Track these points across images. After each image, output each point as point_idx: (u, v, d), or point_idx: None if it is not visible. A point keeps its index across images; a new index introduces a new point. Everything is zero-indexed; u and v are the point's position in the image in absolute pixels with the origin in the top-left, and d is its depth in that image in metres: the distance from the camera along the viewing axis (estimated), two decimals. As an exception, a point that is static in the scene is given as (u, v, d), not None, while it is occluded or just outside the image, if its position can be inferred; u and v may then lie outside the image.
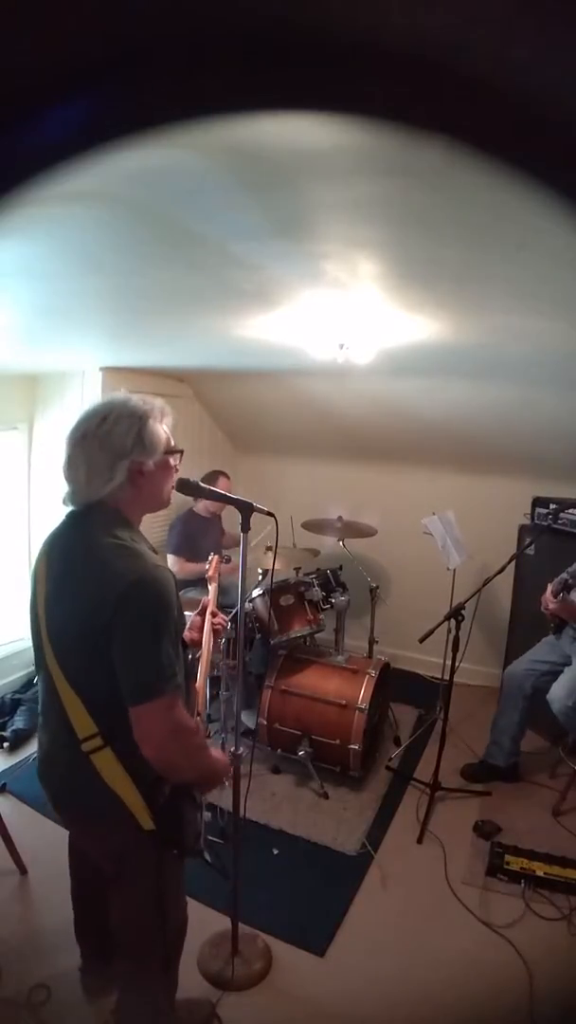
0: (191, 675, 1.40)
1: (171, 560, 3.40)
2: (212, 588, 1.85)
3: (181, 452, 1.29)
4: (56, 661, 1.17)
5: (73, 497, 1.21)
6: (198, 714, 1.39)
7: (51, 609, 1.19)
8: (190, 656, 1.46)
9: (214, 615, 1.66)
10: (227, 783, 1.61)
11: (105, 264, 1.38)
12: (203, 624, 1.63)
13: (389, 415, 3.57)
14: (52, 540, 1.24)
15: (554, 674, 2.53)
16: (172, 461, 1.27)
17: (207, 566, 1.96)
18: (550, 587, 2.42)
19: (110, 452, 1.16)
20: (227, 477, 3.52)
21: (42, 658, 1.21)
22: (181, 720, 1.12)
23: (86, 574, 1.14)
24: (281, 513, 1.66)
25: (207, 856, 1.33)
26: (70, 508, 1.23)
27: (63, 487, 1.22)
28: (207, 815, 1.35)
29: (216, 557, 1.98)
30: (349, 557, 3.36)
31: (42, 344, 2.53)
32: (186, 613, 2.37)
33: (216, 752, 1.32)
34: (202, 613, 1.65)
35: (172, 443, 1.26)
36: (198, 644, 1.62)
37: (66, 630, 1.16)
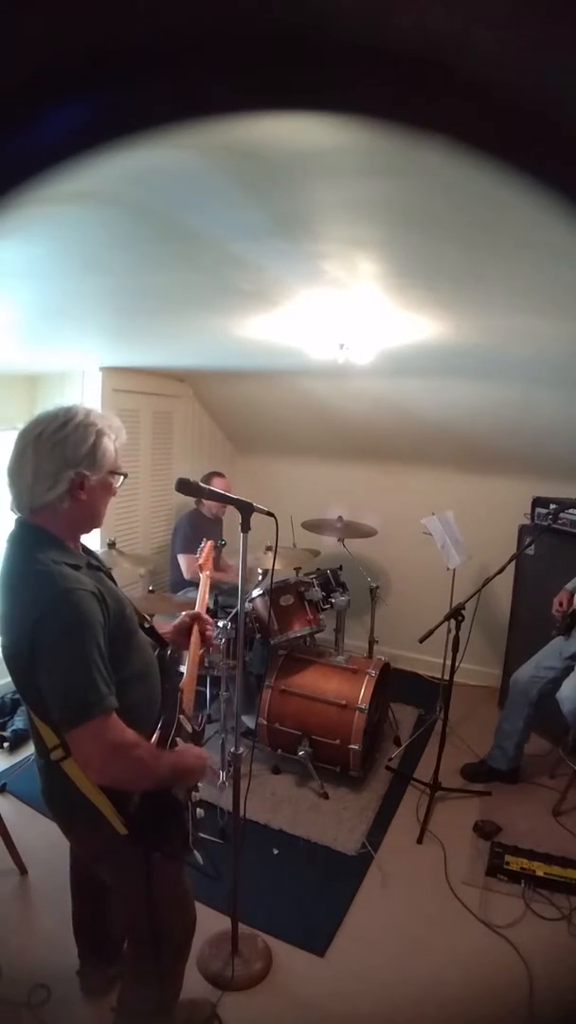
0: (167, 675, 1.36)
1: (183, 560, 3.38)
2: (204, 577, 1.79)
3: (125, 475, 1.27)
4: (12, 679, 1.18)
5: (17, 501, 1.18)
6: (182, 713, 1.35)
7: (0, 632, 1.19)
8: (168, 653, 1.43)
9: (203, 624, 1.59)
10: (227, 782, 1.60)
11: (105, 264, 1.38)
12: (190, 626, 1.58)
13: (389, 415, 3.57)
14: (2, 562, 1.21)
15: (558, 679, 2.53)
16: (114, 482, 1.25)
17: (199, 556, 1.88)
18: None
19: (60, 458, 1.14)
20: (223, 477, 3.50)
21: None
22: (117, 739, 1.09)
23: (10, 603, 1.14)
24: (281, 513, 1.66)
25: (198, 857, 1.31)
26: (14, 521, 1.20)
27: (7, 491, 1.18)
28: (200, 812, 1.32)
29: (209, 543, 1.91)
30: (349, 557, 3.36)
31: (42, 344, 2.53)
32: (183, 613, 2.35)
33: (185, 749, 1.27)
34: (191, 615, 1.60)
35: (119, 464, 1.24)
36: (182, 644, 1.57)
37: (7, 655, 1.17)
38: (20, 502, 1.17)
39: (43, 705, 1.11)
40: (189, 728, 1.35)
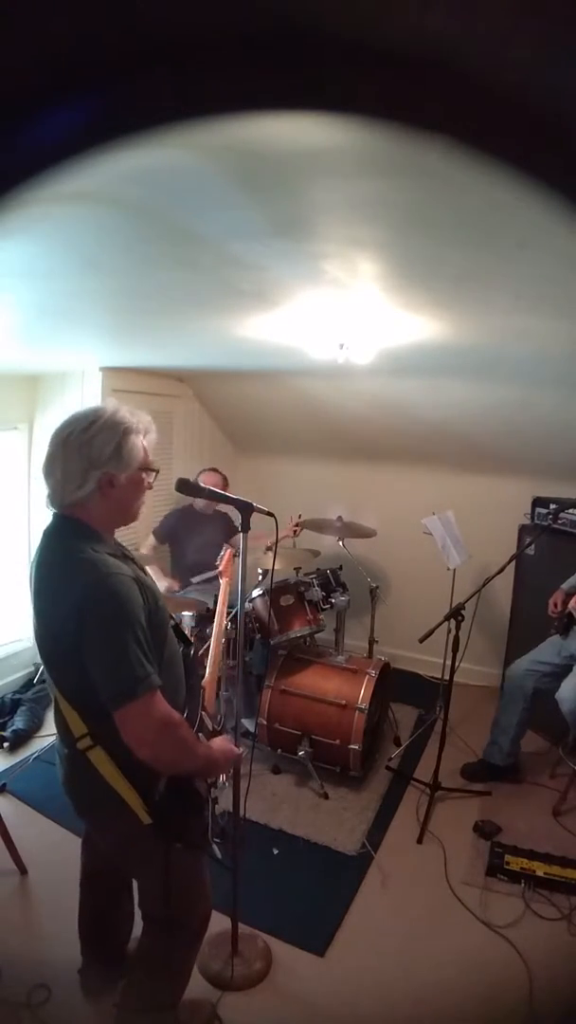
0: (191, 671, 1.40)
1: (149, 540, 3.46)
2: (223, 583, 1.83)
3: (156, 471, 1.29)
4: (45, 667, 1.22)
5: (51, 498, 1.23)
6: (204, 710, 1.40)
7: (35, 622, 1.23)
8: (191, 652, 1.46)
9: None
10: (227, 781, 1.61)
11: (105, 264, 1.38)
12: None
13: (389, 415, 3.57)
14: (35, 555, 1.26)
15: (556, 675, 2.53)
16: (146, 478, 1.27)
17: (220, 563, 1.95)
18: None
19: (86, 459, 1.17)
20: (216, 472, 3.42)
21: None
22: (165, 715, 1.13)
23: (51, 591, 1.19)
24: (281, 513, 1.66)
25: (217, 851, 1.34)
26: (50, 515, 1.25)
27: (43, 487, 1.24)
28: (219, 807, 1.35)
29: (229, 551, 1.95)
30: (349, 557, 3.36)
31: (42, 344, 2.53)
32: (184, 613, 2.37)
33: (215, 741, 1.34)
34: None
35: (149, 460, 1.27)
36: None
37: (44, 643, 1.20)
38: (53, 498, 1.22)
39: (80, 691, 1.14)
40: (210, 725, 1.39)
